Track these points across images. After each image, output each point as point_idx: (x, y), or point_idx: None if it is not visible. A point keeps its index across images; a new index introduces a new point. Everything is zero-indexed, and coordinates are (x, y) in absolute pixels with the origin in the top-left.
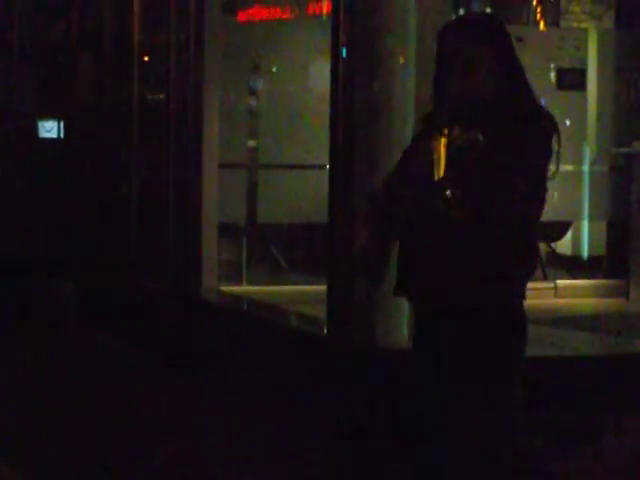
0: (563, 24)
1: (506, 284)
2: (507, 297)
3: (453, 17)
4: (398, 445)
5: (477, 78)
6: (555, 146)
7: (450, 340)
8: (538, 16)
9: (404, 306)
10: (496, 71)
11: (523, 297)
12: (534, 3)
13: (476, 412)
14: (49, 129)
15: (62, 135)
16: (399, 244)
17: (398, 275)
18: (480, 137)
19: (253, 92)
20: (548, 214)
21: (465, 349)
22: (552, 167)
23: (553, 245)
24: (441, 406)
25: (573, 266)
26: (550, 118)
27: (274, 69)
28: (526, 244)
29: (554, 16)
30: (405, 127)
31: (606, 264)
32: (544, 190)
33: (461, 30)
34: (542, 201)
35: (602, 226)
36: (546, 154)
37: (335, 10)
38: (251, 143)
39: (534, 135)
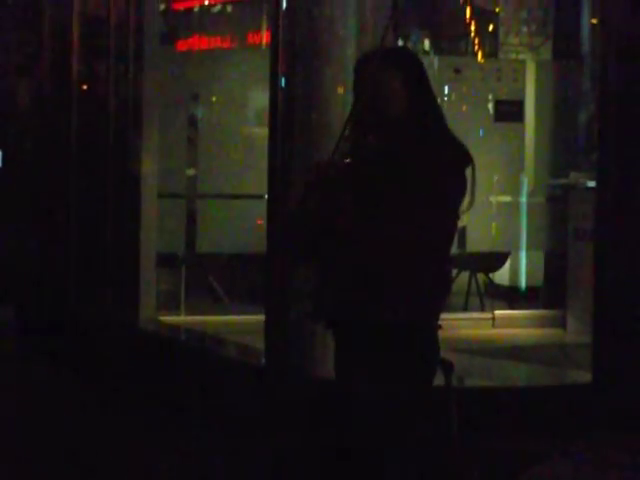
0: (501, 55)
1: (416, 308)
2: (418, 320)
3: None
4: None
5: (385, 100)
6: (469, 177)
7: (363, 361)
8: (476, 47)
9: None
10: (404, 94)
11: (436, 323)
12: (472, 34)
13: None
14: None
15: (0, 164)
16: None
17: (315, 300)
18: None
19: (192, 121)
20: (486, 244)
21: (378, 371)
22: (467, 198)
23: (491, 276)
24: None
25: (511, 297)
26: (462, 148)
27: (213, 98)
28: (435, 271)
29: (492, 47)
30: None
31: (544, 294)
32: (450, 217)
33: (372, 58)
34: (446, 225)
35: (540, 257)
36: (453, 181)
37: (274, 40)
38: (190, 172)
39: (440, 162)
